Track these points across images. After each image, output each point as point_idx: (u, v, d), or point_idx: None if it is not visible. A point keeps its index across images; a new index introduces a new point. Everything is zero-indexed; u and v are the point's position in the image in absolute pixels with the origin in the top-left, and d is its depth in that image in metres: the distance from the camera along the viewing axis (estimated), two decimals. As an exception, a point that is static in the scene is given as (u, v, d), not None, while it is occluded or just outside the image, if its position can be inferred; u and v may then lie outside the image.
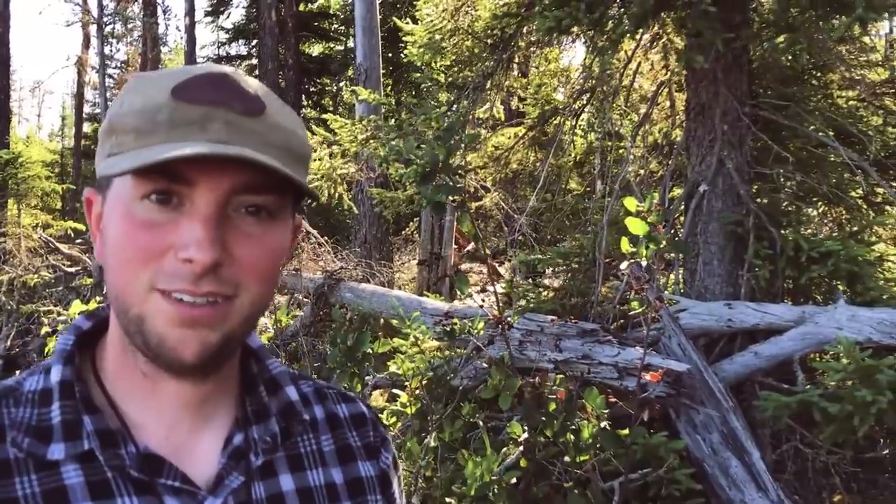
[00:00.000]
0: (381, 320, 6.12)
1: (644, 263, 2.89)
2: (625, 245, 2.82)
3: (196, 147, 0.66)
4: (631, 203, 2.79)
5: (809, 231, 4.91)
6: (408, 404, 3.56)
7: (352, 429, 0.93)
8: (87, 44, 24.69)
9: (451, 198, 2.83)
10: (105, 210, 0.75)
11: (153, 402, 0.77)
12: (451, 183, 2.82)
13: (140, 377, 0.76)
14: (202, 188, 0.69)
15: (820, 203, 5.20)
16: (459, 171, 2.95)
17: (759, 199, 4.50)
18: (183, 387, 0.77)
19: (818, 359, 4.07)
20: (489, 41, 5.54)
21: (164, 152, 0.66)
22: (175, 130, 0.68)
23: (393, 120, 6.05)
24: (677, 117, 5.63)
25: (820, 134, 4.56)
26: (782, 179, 4.67)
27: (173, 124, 0.69)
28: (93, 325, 0.82)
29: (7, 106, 14.27)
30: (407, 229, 13.37)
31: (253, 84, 0.74)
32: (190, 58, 19.29)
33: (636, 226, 2.76)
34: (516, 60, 6.13)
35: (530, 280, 6.70)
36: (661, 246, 2.75)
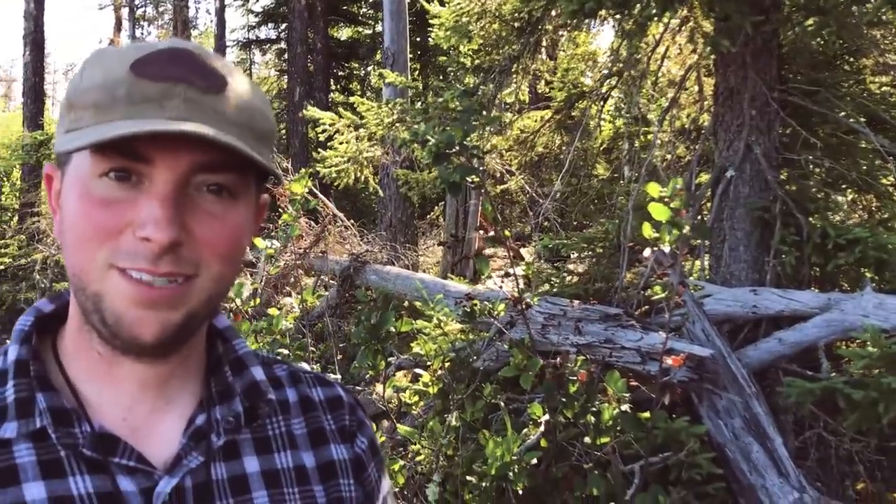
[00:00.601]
0: (406, 302, 6.16)
1: (667, 249, 2.88)
2: (647, 230, 2.82)
3: (153, 125, 0.65)
4: (654, 188, 2.78)
5: (839, 218, 4.86)
6: (430, 384, 3.59)
7: (326, 412, 0.91)
8: (118, 27, 24.90)
9: (469, 179, 2.84)
10: (64, 186, 0.73)
11: (110, 382, 0.75)
12: (468, 164, 2.82)
13: (97, 357, 0.75)
14: (161, 166, 0.68)
15: (849, 190, 5.14)
16: (476, 152, 2.96)
17: (787, 186, 4.46)
18: (141, 367, 0.75)
19: (845, 347, 4.04)
20: (516, 24, 5.52)
21: (121, 129, 0.64)
22: (133, 107, 0.67)
23: (419, 103, 6.06)
24: (705, 102, 5.58)
25: (851, 120, 4.49)
26: (811, 166, 4.62)
27: (132, 100, 0.67)
28: (55, 307, 0.81)
29: (41, 88, 14.46)
30: (432, 213, 13.40)
31: (216, 60, 0.72)
32: (220, 41, 19.39)
33: (659, 211, 2.75)
34: (544, 44, 6.11)
35: (554, 265, 6.70)
36: (684, 231, 2.74)
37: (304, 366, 1.01)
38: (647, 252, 2.89)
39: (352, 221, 8.37)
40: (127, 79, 0.68)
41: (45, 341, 0.79)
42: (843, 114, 4.51)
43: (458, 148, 2.94)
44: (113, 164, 0.68)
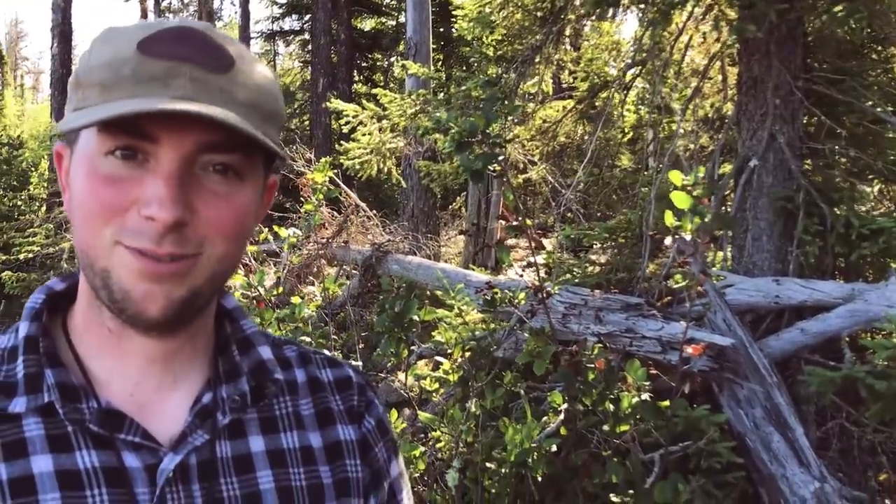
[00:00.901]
0: (428, 292, 6.19)
1: (688, 237, 2.87)
2: (669, 219, 2.81)
3: (157, 103, 0.65)
4: (676, 177, 2.77)
5: (865, 208, 4.82)
6: (450, 372, 3.62)
7: (335, 392, 0.90)
8: (144, 18, 25.13)
9: (491, 168, 2.85)
10: (72, 164, 0.74)
11: (119, 358, 0.76)
12: (490, 152, 2.83)
13: (106, 333, 0.76)
14: (166, 146, 0.68)
15: (876, 180, 5.09)
16: (498, 141, 2.96)
17: (811, 176, 4.43)
18: (149, 343, 0.75)
19: (871, 338, 4.00)
20: (539, 14, 5.51)
21: (126, 107, 0.65)
22: (139, 86, 0.67)
23: (442, 94, 6.07)
24: (729, 91, 5.54)
25: (878, 109, 4.44)
26: (836, 156, 4.58)
27: (138, 79, 0.67)
28: (67, 286, 0.82)
29: (68, 80, 14.64)
30: (454, 204, 13.41)
31: (224, 40, 0.72)
32: (244, 33, 19.50)
33: (681, 199, 2.74)
34: (567, 33, 6.09)
35: (577, 255, 6.70)
36: (706, 220, 2.73)
37: (325, 353, 1.00)
38: (668, 240, 2.88)
39: (374, 212, 8.41)
40: (133, 57, 0.68)
41: (55, 319, 0.80)
42: (869, 103, 4.46)
43: (480, 136, 2.95)
44: (119, 143, 0.68)
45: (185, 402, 0.78)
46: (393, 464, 0.93)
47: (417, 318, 3.38)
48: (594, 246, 6.43)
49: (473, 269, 6.63)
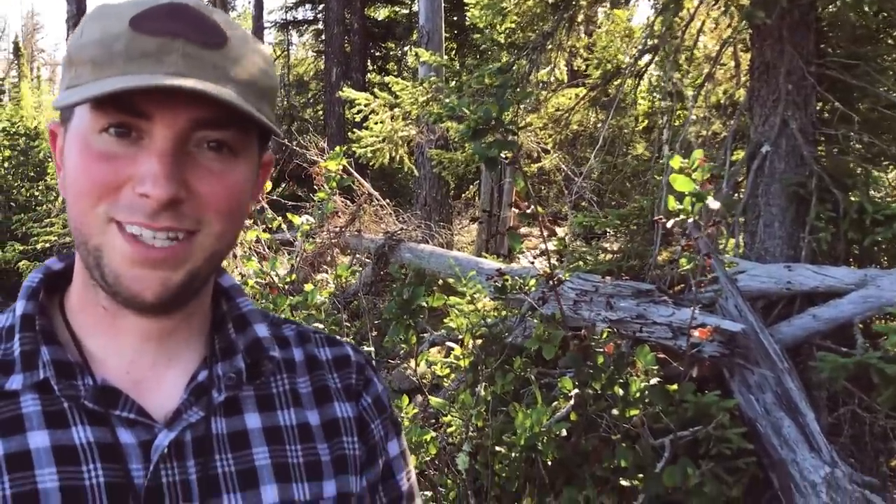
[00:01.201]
0: (440, 280, 6.21)
1: (692, 221, 2.88)
2: (671, 203, 2.83)
3: (149, 80, 0.65)
4: (675, 161, 2.78)
5: (881, 194, 4.79)
6: (461, 357, 3.64)
7: (333, 370, 0.90)
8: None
9: (504, 155, 2.86)
10: (66, 143, 0.73)
11: (114, 336, 0.76)
12: (504, 139, 2.84)
13: (101, 312, 0.76)
14: (159, 123, 0.67)
15: (891, 166, 5.06)
16: (512, 128, 2.97)
17: (824, 162, 4.41)
18: (144, 322, 0.76)
19: (883, 323, 3.99)
20: (550, 0, 5.50)
21: (118, 84, 0.64)
22: (132, 62, 0.66)
23: (454, 82, 6.07)
24: (741, 77, 5.51)
25: (893, 94, 4.41)
26: (851, 142, 4.56)
27: (130, 56, 0.67)
28: (64, 265, 0.82)
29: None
30: (467, 192, 13.41)
31: (216, 16, 0.71)
32: (257, 23, 19.54)
33: (681, 183, 2.75)
34: (579, 20, 6.07)
35: (589, 242, 6.69)
36: (706, 202, 2.74)
37: (325, 332, 1.00)
38: (669, 223, 2.89)
39: (387, 201, 8.43)
40: (125, 34, 0.67)
41: (53, 298, 0.80)
42: (883, 88, 4.43)
43: (493, 123, 2.96)
44: (112, 120, 0.68)
45: (180, 380, 0.79)
46: (392, 443, 0.93)
47: (426, 305, 3.39)
48: (607, 233, 6.43)
49: (486, 257, 6.65)
